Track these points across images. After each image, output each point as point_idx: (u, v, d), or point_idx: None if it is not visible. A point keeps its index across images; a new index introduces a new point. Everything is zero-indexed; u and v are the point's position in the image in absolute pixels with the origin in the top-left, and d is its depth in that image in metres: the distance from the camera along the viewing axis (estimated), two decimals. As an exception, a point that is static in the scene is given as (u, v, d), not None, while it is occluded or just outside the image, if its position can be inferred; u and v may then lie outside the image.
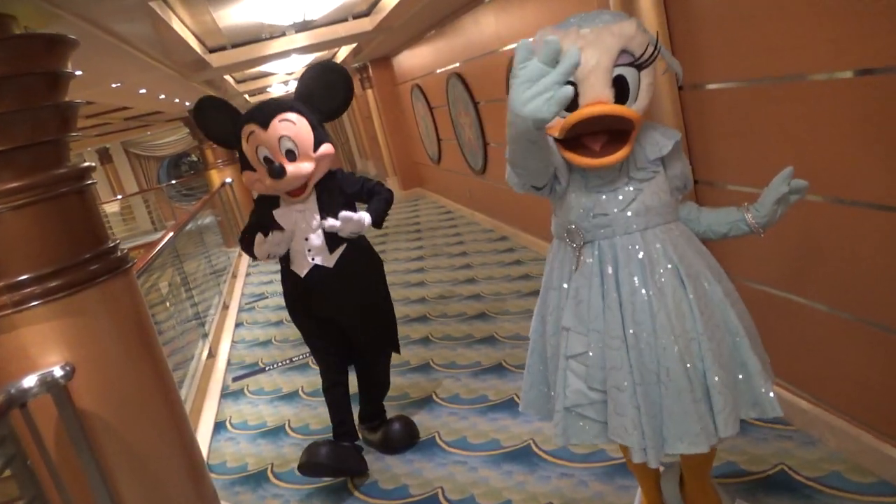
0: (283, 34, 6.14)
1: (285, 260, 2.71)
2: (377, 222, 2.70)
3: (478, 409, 3.13)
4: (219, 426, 3.69)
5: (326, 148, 2.55)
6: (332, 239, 2.62)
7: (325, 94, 2.61)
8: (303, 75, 2.64)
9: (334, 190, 2.65)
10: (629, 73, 1.52)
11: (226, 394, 4.17)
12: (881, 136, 1.79)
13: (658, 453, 1.59)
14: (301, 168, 2.49)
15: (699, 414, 1.57)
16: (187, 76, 6.13)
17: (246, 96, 12.13)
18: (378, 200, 2.73)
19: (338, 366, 2.83)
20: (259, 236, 2.59)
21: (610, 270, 1.62)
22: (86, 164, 1.93)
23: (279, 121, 2.47)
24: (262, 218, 2.69)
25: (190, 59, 5.34)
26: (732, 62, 2.27)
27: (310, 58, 8.27)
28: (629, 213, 1.61)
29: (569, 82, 1.51)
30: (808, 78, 1.97)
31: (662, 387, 1.58)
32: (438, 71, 7.14)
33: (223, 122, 2.61)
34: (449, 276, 5.50)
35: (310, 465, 2.63)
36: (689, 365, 1.57)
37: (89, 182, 1.93)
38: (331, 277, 2.65)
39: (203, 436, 3.52)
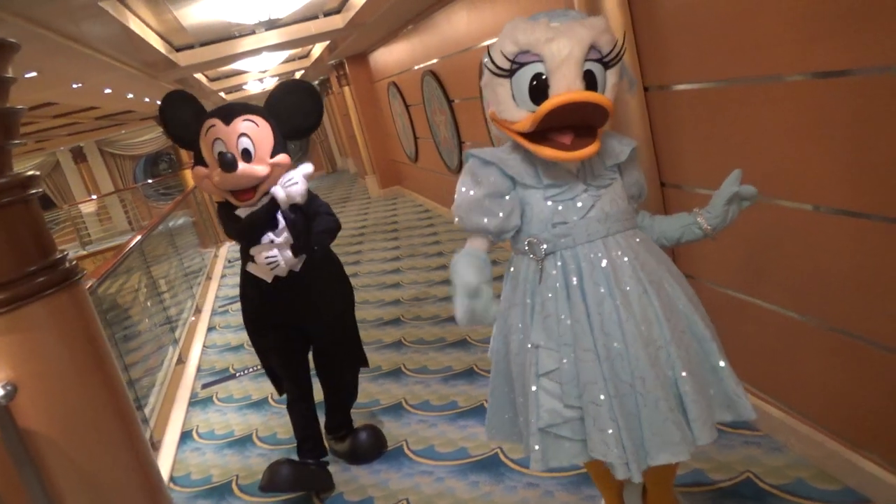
0: (253, 32, 6.04)
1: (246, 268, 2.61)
2: (319, 240, 2.57)
3: (447, 415, 3.09)
4: (185, 436, 3.61)
5: (283, 157, 2.48)
6: (297, 240, 2.53)
7: (293, 111, 2.55)
8: (272, 91, 2.59)
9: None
10: (597, 70, 1.50)
11: (194, 402, 4.08)
12: (846, 140, 1.77)
13: (640, 466, 1.53)
14: (254, 169, 2.41)
15: (677, 422, 1.53)
16: (154, 75, 6.01)
17: (221, 94, 11.96)
18: (322, 219, 2.61)
19: (301, 379, 2.76)
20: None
21: (575, 281, 1.58)
22: (30, 172, 1.85)
23: (242, 120, 2.42)
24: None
25: (154, 58, 5.22)
26: (699, 63, 2.24)
27: (283, 55, 8.17)
28: (589, 220, 1.58)
29: (538, 75, 1.48)
30: (775, 79, 1.95)
31: (639, 397, 1.53)
32: (414, 68, 7.08)
33: (186, 113, 2.50)
34: (425, 276, 5.45)
35: (272, 486, 2.58)
36: (660, 373, 1.53)
37: (34, 191, 1.85)
38: (300, 282, 2.58)
39: (168, 447, 3.44)
